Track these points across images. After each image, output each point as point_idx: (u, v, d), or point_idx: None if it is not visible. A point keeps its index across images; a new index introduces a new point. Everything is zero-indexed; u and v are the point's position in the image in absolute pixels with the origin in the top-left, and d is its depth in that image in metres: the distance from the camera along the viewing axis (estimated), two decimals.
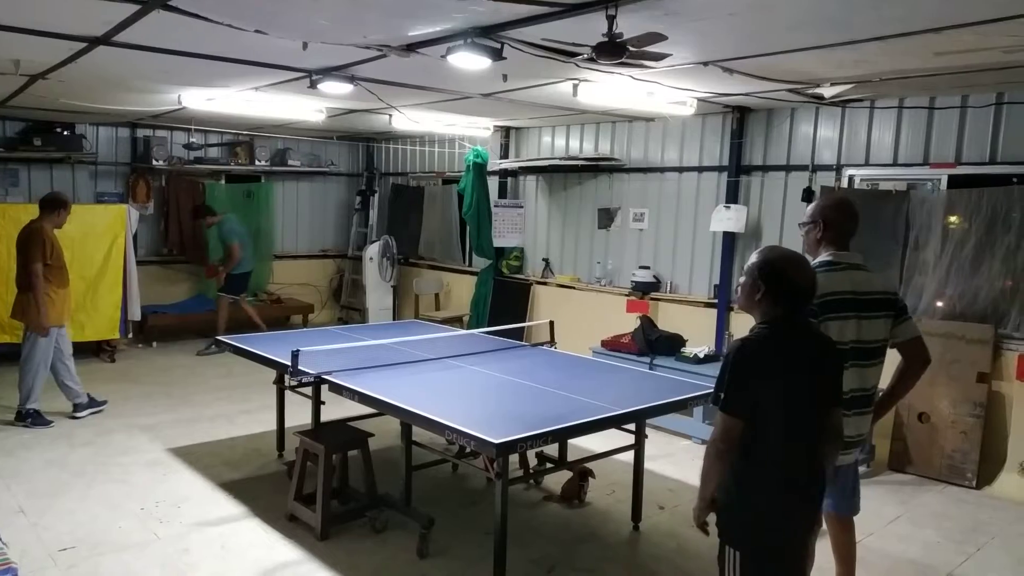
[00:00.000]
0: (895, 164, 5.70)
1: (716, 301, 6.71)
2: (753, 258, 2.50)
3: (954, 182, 5.43)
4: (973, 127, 5.30)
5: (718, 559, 2.50)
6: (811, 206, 3.21)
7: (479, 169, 8.29)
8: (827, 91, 5.18)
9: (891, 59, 4.20)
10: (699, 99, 5.73)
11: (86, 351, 7.85)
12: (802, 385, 2.42)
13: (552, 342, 5.40)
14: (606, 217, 7.69)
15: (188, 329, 8.84)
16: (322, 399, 4.48)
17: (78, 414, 6.01)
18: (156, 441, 5.54)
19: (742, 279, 2.53)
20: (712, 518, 2.52)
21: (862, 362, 3.00)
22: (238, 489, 4.70)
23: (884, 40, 3.74)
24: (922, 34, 3.59)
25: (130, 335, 8.19)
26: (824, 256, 3.05)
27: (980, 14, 3.26)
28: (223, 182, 9.90)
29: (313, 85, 5.17)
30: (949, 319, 5.30)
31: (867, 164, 5.85)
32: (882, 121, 5.75)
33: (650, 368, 5.91)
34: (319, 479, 4.06)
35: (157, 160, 8.96)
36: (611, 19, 3.26)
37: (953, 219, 5.36)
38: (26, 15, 3.75)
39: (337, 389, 4.06)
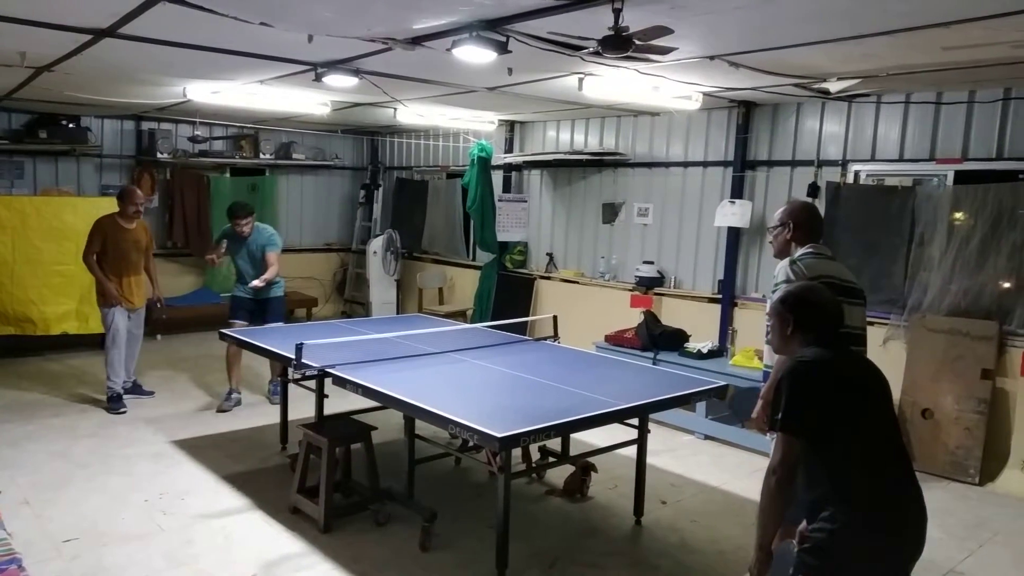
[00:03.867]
0: (901, 159, 5.68)
1: (720, 296, 6.70)
2: (772, 299, 2.53)
3: (960, 178, 5.41)
4: (980, 122, 5.27)
5: None
6: (778, 212, 3.35)
7: (483, 163, 8.28)
8: (833, 86, 5.15)
9: (898, 54, 4.18)
10: (704, 93, 5.71)
11: (92, 343, 7.87)
12: (869, 409, 2.31)
13: (555, 337, 5.40)
14: (610, 212, 7.68)
15: (193, 322, 8.85)
16: (325, 392, 4.49)
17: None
18: (160, 433, 5.56)
19: (769, 323, 2.54)
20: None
21: (856, 348, 3.05)
22: (241, 481, 4.71)
23: (891, 35, 3.72)
24: (930, 29, 3.57)
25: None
26: (805, 248, 3.16)
27: (988, 8, 3.24)
28: (228, 175, 9.91)
29: (318, 78, 5.17)
30: (954, 315, 5.28)
31: (873, 159, 5.83)
32: (888, 116, 5.72)
33: (653, 363, 5.90)
34: (322, 472, 4.07)
35: (162, 153, 8.96)
36: (617, 12, 3.25)
37: (959, 215, 5.34)
38: (32, 7, 3.75)
39: (340, 382, 4.06)
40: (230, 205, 6.62)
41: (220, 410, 6.14)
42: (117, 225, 6.09)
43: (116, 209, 6.17)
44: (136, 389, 6.39)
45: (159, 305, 6.63)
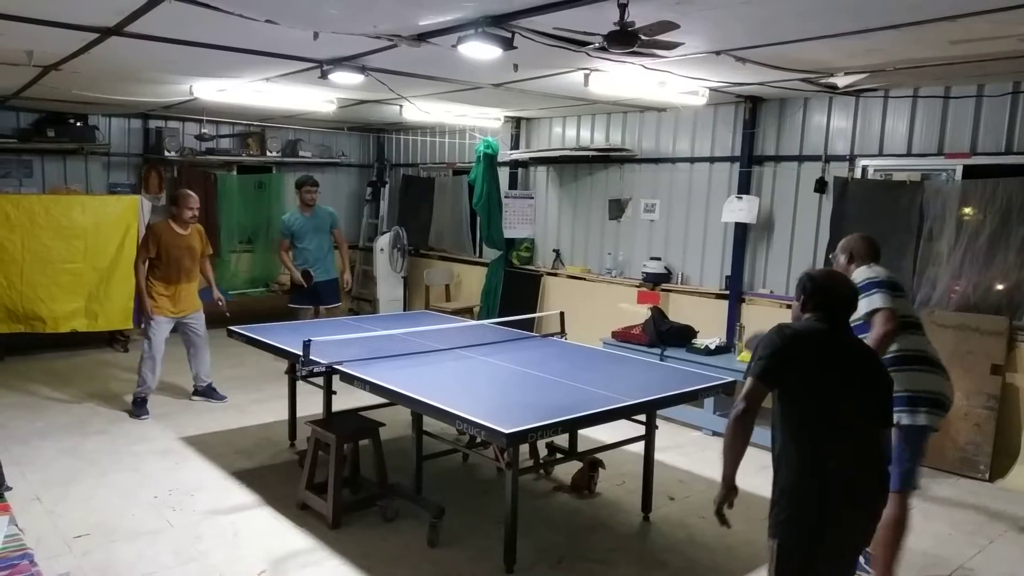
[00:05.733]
0: (909, 154, 5.65)
1: (727, 292, 6.69)
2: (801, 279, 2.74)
3: (969, 172, 5.38)
4: (989, 117, 5.24)
5: (768, 553, 2.54)
6: (840, 243, 3.84)
7: (490, 160, 8.27)
8: (840, 80, 5.13)
9: (905, 48, 4.16)
10: (711, 89, 5.70)
11: (99, 341, 7.93)
12: (851, 386, 2.50)
13: (562, 333, 5.40)
14: (617, 208, 7.67)
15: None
16: (333, 389, 4.50)
17: (193, 397, 6.42)
18: (169, 430, 5.59)
19: (794, 304, 2.77)
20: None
21: (917, 332, 3.58)
22: (250, 478, 4.73)
23: (897, 29, 3.70)
24: (936, 22, 3.55)
25: (143, 325, 8.17)
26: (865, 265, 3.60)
27: (995, 2, 3.22)
28: (235, 173, 9.94)
29: (324, 75, 5.17)
30: (963, 310, 5.26)
31: (881, 154, 5.80)
32: (896, 111, 5.70)
33: (661, 359, 5.90)
34: (330, 468, 4.08)
35: (169, 151, 8.99)
36: (623, 8, 3.24)
37: (968, 210, 5.30)
38: (39, 6, 3.76)
39: (348, 379, 4.08)
40: (298, 178, 7.29)
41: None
42: (171, 231, 5.97)
43: (156, 211, 6.13)
44: (209, 392, 6.40)
45: (221, 303, 6.51)
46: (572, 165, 8.07)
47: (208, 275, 6.44)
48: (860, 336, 3.25)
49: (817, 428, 2.45)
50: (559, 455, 4.83)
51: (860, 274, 3.51)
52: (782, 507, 2.48)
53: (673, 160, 7.19)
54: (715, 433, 5.77)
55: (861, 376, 2.54)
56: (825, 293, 2.60)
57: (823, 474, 2.43)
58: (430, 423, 4.02)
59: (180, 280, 6.04)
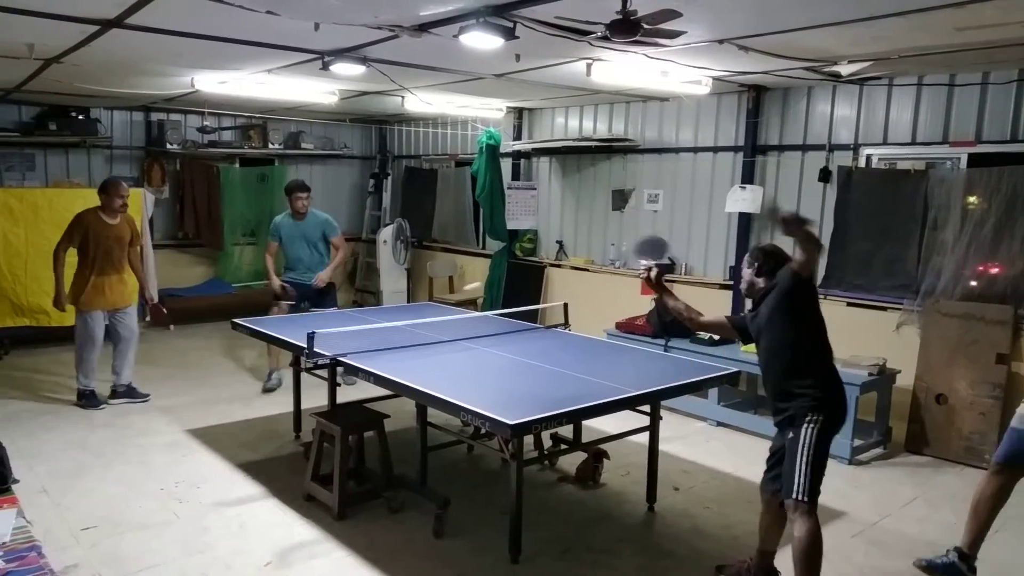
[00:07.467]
0: (914, 143, 5.63)
1: (731, 283, 6.67)
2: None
3: (974, 161, 5.36)
4: (994, 104, 5.21)
5: (795, 441, 3.11)
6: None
7: (492, 151, 8.25)
8: (844, 69, 5.10)
9: (910, 35, 4.13)
10: (714, 78, 5.67)
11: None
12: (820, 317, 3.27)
13: (566, 324, 5.39)
14: (620, 199, 7.65)
15: (204, 312, 8.89)
16: (338, 381, 4.51)
17: (110, 401, 6.02)
18: (174, 423, 5.60)
19: (744, 272, 3.40)
20: None
21: None
22: (256, 470, 4.74)
23: (902, 16, 3.68)
24: (942, 9, 3.53)
25: (147, 318, 8.14)
26: None
27: None
28: (237, 165, 9.93)
29: (325, 67, 5.15)
30: (968, 300, 5.24)
31: (885, 143, 5.78)
32: (901, 99, 5.67)
33: (664, 350, 5.89)
34: (335, 460, 4.09)
35: (171, 144, 8.98)
36: None
37: (972, 199, 5.28)
38: None
39: (352, 371, 4.08)
40: (287, 184, 6.69)
41: (266, 390, 6.43)
42: (100, 220, 5.82)
43: (107, 202, 5.83)
44: (130, 393, 6.09)
45: (148, 304, 6.34)
46: (575, 156, 8.05)
47: (138, 271, 6.14)
48: None
49: (825, 343, 3.24)
50: (564, 446, 4.84)
51: None
52: (823, 396, 3.13)
53: (676, 150, 7.17)
54: (719, 423, 5.77)
55: None
56: (777, 259, 3.30)
57: (835, 372, 3.25)
58: (435, 414, 4.02)
59: (110, 271, 5.84)
